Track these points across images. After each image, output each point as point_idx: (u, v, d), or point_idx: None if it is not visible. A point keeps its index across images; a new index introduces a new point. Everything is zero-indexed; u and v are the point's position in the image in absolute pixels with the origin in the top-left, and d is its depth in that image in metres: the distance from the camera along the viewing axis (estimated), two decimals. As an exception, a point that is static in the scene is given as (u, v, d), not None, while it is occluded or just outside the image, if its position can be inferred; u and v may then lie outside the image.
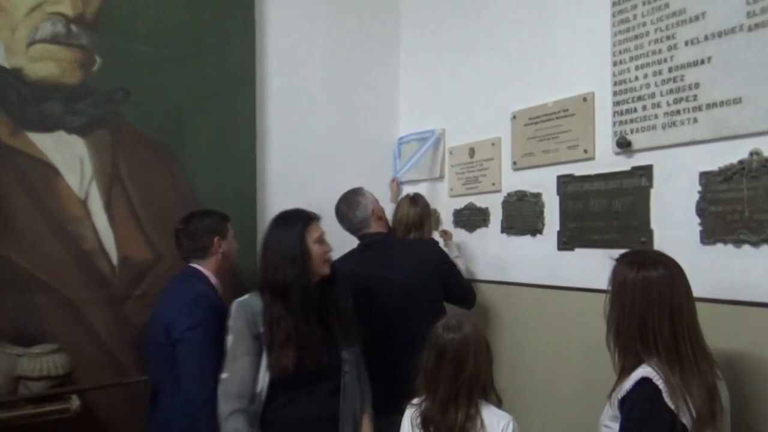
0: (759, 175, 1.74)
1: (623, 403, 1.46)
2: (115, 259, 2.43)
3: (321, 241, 1.94)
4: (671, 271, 1.50)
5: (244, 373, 1.78)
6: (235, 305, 1.86)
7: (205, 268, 2.13)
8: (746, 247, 1.76)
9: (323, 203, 3.03)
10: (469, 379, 1.52)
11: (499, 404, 1.58)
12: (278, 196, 2.90)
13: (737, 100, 1.80)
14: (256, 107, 2.84)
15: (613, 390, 1.51)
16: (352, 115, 3.20)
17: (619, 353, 1.53)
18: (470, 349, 1.54)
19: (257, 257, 1.96)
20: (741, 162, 1.78)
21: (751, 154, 1.76)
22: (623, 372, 1.51)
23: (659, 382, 1.39)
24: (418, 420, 1.59)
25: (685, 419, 1.36)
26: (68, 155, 2.36)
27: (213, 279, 2.13)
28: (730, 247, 1.80)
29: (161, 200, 2.53)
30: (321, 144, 3.08)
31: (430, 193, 3.04)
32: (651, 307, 1.46)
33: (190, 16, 2.67)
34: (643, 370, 1.44)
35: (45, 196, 2.30)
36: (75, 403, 1.96)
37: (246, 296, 1.89)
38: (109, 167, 2.45)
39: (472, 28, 2.86)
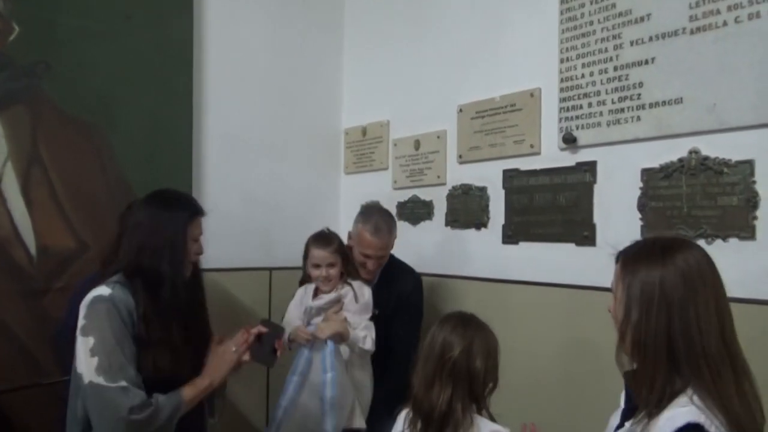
0: (697, 172, 1.81)
1: None
2: (32, 248, 2.22)
3: (197, 239, 1.67)
4: (704, 251, 1.13)
5: (137, 380, 1.49)
6: (102, 303, 1.48)
7: None
8: (684, 242, 1.83)
9: (263, 192, 2.95)
10: (454, 363, 1.40)
11: None
12: (216, 184, 2.76)
13: (678, 100, 1.87)
14: (194, 89, 2.68)
15: (636, 424, 1.08)
16: (294, 103, 3.09)
17: (646, 372, 1.09)
18: (462, 342, 1.44)
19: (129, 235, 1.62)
20: (681, 160, 1.85)
21: (690, 152, 1.83)
22: (652, 399, 1.06)
23: (712, 429, 0.99)
24: (409, 409, 1.47)
25: None
26: (-21, 132, 2.14)
27: None
28: (669, 241, 1.87)
29: (87, 185, 2.34)
30: (262, 131, 2.96)
31: (373, 185, 2.99)
32: (696, 298, 1.07)
33: (123, -13, 2.48)
34: (688, 411, 1.01)
35: (-49, 176, 2.07)
36: (-13, 406, 1.78)
37: (105, 288, 1.51)
38: (28, 147, 2.23)
39: (420, 19, 2.82)
